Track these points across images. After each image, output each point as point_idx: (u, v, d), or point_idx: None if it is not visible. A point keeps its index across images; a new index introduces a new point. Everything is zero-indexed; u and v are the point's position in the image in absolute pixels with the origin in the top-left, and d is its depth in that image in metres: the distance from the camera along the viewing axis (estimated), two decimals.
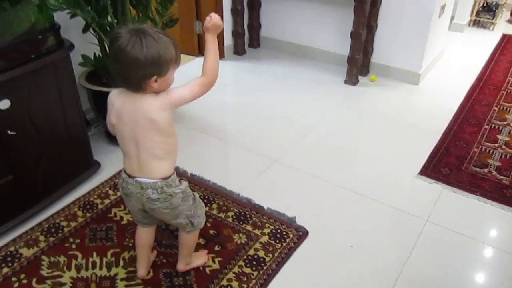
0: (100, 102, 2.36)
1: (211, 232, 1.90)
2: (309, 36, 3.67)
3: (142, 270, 1.68)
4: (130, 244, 1.83)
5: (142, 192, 1.40)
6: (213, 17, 1.35)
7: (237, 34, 3.66)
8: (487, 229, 2.03)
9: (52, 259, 1.77)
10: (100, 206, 2.04)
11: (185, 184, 1.49)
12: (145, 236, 1.64)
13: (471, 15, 4.78)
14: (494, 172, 2.37)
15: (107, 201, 2.07)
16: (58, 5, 1.91)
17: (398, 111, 2.95)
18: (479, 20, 4.84)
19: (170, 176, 1.42)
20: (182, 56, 4.01)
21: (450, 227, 2.00)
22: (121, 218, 1.97)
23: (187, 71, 3.42)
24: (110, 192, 2.13)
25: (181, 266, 1.72)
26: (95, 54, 2.35)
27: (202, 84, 1.40)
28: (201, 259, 1.77)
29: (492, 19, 4.75)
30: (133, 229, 1.89)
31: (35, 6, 1.75)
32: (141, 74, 1.25)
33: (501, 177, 2.34)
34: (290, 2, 3.61)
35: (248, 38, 3.85)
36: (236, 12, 3.57)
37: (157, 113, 1.33)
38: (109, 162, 2.33)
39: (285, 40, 3.79)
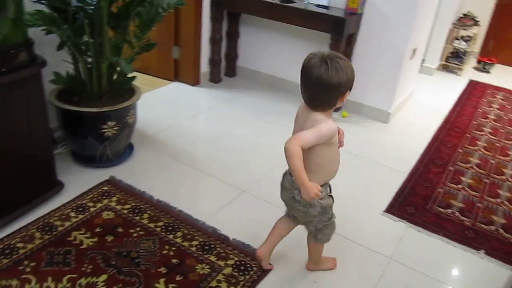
0: (69, 121, 2.32)
1: (174, 261, 1.86)
2: (284, 69, 3.74)
3: (262, 249, 1.82)
4: (88, 270, 1.77)
5: (292, 190, 1.62)
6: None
7: (213, 62, 3.69)
8: (448, 269, 2.06)
9: (3, 282, 1.68)
10: (59, 229, 1.97)
11: (329, 202, 1.66)
12: (282, 225, 1.82)
13: (441, 60, 4.98)
14: (457, 213, 2.42)
15: (67, 224, 2.00)
16: (34, 22, 1.89)
17: (367, 148, 3.01)
18: (448, 65, 5.04)
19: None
20: (158, 80, 3.98)
21: (412, 266, 2.02)
22: (81, 242, 1.91)
23: (162, 95, 3.45)
24: (72, 214, 2.06)
25: (310, 265, 1.91)
26: (67, 72, 2.32)
27: (302, 134, 1.49)
28: (329, 264, 1.93)
29: (460, 65, 4.96)
30: (93, 254, 1.84)
31: (10, 20, 1.73)
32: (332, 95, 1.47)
33: (463, 218, 2.39)
34: (268, 35, 3.68)
35: (224, 67, 3.89)
36: (214, 41, 3.61)
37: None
38: (74, 183, 2.27)
39: (261, 71, 3.84)
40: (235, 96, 3.60)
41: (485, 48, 5.59)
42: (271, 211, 2.25)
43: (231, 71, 3.90)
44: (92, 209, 2.11)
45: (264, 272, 1.85)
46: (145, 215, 2.10)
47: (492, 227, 2.35)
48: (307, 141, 1.45)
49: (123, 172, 2.41)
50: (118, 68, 2.35)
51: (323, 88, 1.44)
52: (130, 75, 2.38)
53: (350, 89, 1.49)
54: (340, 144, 1.64)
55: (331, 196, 1.68)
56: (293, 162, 1.44)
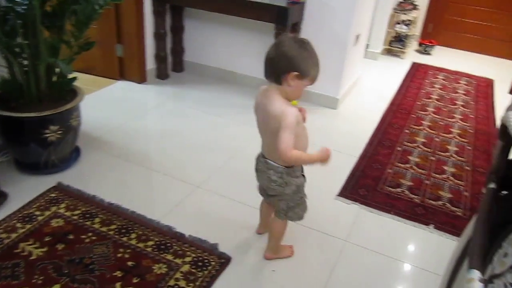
0: (8, 128, 2.21)
1: (129, 263, 1.82)
2: (232, 62, 3.72)
3: (259, 229, 2.06)
4: (40, 282, 1.70)
5: (267, 171, 1.68)
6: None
7: (159, 58, 3.62)
8: (401, 246, 2.13)
9: None
10: (6, 241, 1.88)
11: (302, 181, 1.74)
12: (264, 207, 1.97)
13: (384, 44, 5.12)
14: (406, 192, 2.51)
15: (14, 235, 1.91)
16: None
17: (318, 135, 3.05)
18: (391, 49, 5.20)
19: (292, 167, 1.66)
20: (103, 80, 3.85)
21: (367, 246, 2.08)
22: (30, 253, 1.83)
23: (108, 95, 3.35)
24: (18, 225, 1.97)
25: (267, 254, 1.93)
26: (2, 77, 2.20)
27: (285, 141, 1.51)
28: (287, 252, 1.97)
29: (403, 48, 5.12)
30: (44, 265, 1.77)
31: None
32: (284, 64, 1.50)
33: (412, 196, 2.48)
34: (213, 27, 3.65)
35: (171, 62, 3.82)
36: (159, 36, 3.54)
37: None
38: (18, 192, 2.17)
39: (208, 65, 3.81)
40: (184, 92, 3.55)
41: (425, 31, 5.80)
42: (225, 205, 2.26)
43: (178, 66, 3.85)
44: (40, 218, 2.02)
45: (222, 267, 1.85)
46: (97, 220, 2.04)
47: (440, 202, 2.45)
48: (290, 141, 1.51)
49: (71, 177, 2.33)
50: (58, 70, 2.26)
51: (278, 54, 1.51)
52: (70, 76, 2.29)
53: (296, 73, 1.50)
54: (304, 120, 1.67)
55: (303, 175, 1.76)
56: (301, 161, 1.65)
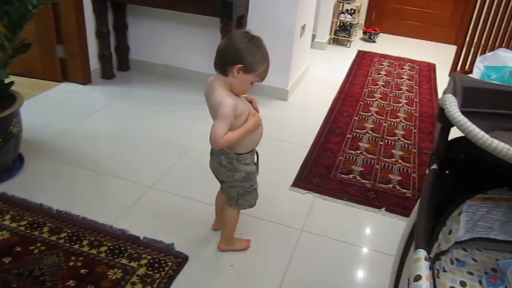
0: None
1: (83, 271, 1.76)
2: (179, 58, 3.67)
3: (216, 224, 2.05)
4: None
5: (219, 155, 1.69)
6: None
7: (104, 58, 3.51)
8: (355, 231, 2.18)
9: None
10: None
11: (253, 169, 1.75)
12: (221, 198, 1.93)
13: (330, 34, 5.20)
14: (358, 177, 2.57)
15: None
16: None
17: (270, 127, 3.04)
18: (337, 38, 5.29)
19: (243, 154, 1.68)
20: (45, 83, 3.70)
21: (323, 233, 2.12)
22: None
23: (50, 98, 3.21)
24: None
25: (221, 246, 1.94)
26: None
27: (215, 130, 1.55)
28: (242, 244, 1.97)
29: (348, 37, 5.22)
30: None
31: None
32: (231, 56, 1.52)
33: (364, 181, 2.54)
34: (157, 24, 3.58)
35: (116, 61, 3.72)
36: (101, 35, 3.42)
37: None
38: None
39: (155, 62, 3.73)
40: (132, 91, 3.47)
41: (369, 19, 5.95)
42: (179, 203, 2.23)
43: (124, 65, 3.75)
44: None
45: (179, 266, 1.82)
46: (45, 229, 1.96)
47: (390, 185, 2.53)
48: (221, 131, 1.53)
49: (15, 187, 2.22)
50: None
51: (228, 45, 1.54)
52: (7, 80, 2.18)
53: (242, 66, 1.52)
54: (257, 111, 1.69)
55: (256, 164, 1.77)
56: (236, 139, 1.59)
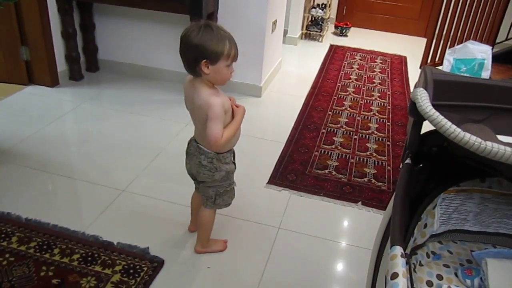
0: None
1: (55, 281, 1.70)
2: (148, 57, 3.60)
3: (192, 226, 2.02)
4: None
5: (198, 155, 1.66)
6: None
7: (71, 59, 3.41)
8: (333, 226, 2.18)
9: None
10: None
11: (232, 168, 1.73)
12: (196, 199, 1.90)
13: (302, 29, 5.20)
14: (334, 172, 2.57)
15: None
16: None
17: (244, 124, 3.00)
18: (309, 33, 5.30)
19: (223, 153, 1.66)
20: (9, 87, 3.57)
21: (301, 230, 2.11)
22: None
23: (16, 102, 3.10)
24: None
25: (197, 248, 1.90)
26: None
27: (213, 133, 1.52)
28: (218, 245, 1.94)
29: (320, 32, 5.23)
30: None
31: None
32: (192, 57, 1.48)
33: (339, 176, 2.54)
34: (126, 23, 3.50)
35: (84, 62, 3.62)
36: (67, 35, 3.32)
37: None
38: None
39: (125, 62, 3.65)
40: (101, 92, 3.38)
41: (340, 14, 5.97)
42: (154, 206, 2.18)
43: (93, 66, 3.65)
44: None
45: (155, 271, 1.78)
46: (14, 239, 1.89)
47: (366, 179, 2.54)
48: (219, 130, 1.53)
49: None
50: None
51: (183, 47, 1.51)
52: None
53: (209, 61, 1.48)
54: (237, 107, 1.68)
55: (234, 163, 1.76)
56: (232, 134, 1.60)
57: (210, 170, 1.67)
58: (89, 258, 1.82)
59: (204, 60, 1.47)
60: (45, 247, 1.86)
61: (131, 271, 1.77)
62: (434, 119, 0.99)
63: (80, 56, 3.50)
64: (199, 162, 1.67)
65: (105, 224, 2.03)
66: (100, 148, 2.65)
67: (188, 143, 1.75)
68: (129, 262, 1.81)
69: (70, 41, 3.35)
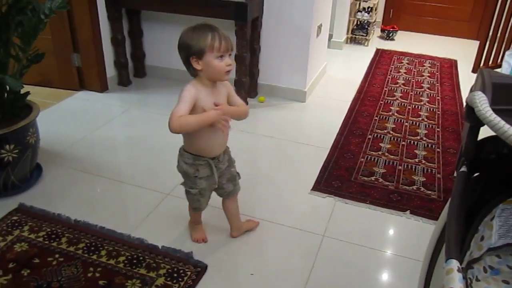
0: None
1: (101, 282, 1.73)
2: None
3: (233, 234, 2.01)
4: None
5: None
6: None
7: (120, 65, 3.51)
8: (379, 235, 2.11)
9: None
10: None
11: (189, 171, 1.71)
12: (224, 207, 1.98)
13: (347, 33, 5.12)
14: (380, 179, 2.49)
15: None
16: None
17: (288, 130, 3.01)
18: (354, 37, 5.20)
19: (186, 151, 1.70)
20: (62, 92, 3.71)
21: (345, 238, 2.05)
22: None
23: (68, 107, 3.22)
24: None
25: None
26: None
27: (173, 110, 1.53)
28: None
29: (366, 35, 5.13)
30: None
31: None
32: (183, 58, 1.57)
33: (387, 183, 2.46)
34: (172, 29, 3.55)
35: (133, 68, 3.71)
36: (117, 42, 3.42)
37: None
38: None
39: (171, 68, 3.71)
40: (148, 97, 3.46)
41: (386, 17, 5.84)
42: None
43: (141, 72, 3.74)
44: (1, 244, 1.91)
45: (198, 275, 1.78)
46: (63, 239, 1.94)
47: (414, 187, 2.44)
48: (179, 109, 1.52)
49: (33, 197, 2.21)
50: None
51: (178, 47, 1.58)
52: (22, 91, 2.18)
53: (196, 57, 1.54)
54: (219, 104, 1.61)
55: (205, 178, 1.77)
56: (187, 124, 1.54)
57: (177, 160, 1.75)
58: (135, 261, 1.84)
59: (192, 57, 1.53)
60: (92, 248, 1.90)
61: (175, 275, 1.77)
62: (495, 125, 0.92)
63: (128, 62, 3.59)
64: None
65: (150, 227, 2.05)
66: (146, 151, 2.69)
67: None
68: (173, 266, 1.82)
69: (119, 48, 3.45)
